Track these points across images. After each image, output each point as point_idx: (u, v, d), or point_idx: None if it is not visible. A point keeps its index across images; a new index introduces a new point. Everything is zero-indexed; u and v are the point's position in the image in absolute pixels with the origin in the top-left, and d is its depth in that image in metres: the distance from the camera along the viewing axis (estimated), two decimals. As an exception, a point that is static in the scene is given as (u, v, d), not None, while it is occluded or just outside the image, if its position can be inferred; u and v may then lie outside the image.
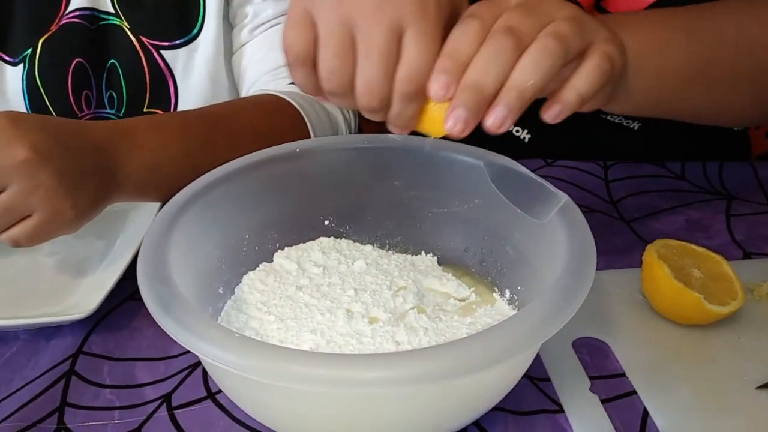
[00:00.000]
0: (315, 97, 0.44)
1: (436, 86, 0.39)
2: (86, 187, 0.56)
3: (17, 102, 0.77)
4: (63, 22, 0.75)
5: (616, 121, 0.81)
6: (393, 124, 0.43)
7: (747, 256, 0.64)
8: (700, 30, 0.54)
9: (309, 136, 0.71)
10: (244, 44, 0.79)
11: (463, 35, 0.40)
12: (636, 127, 0.80)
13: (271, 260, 0.57)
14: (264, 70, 0.78)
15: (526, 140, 0.84)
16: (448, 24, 0.42)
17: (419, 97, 0.40)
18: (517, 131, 0.84)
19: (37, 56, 0.75)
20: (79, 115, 0.78)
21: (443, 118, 0.40)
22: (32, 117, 0.56)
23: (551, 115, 0.43)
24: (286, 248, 0.58)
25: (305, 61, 0.41)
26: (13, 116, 0.54)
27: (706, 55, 0.53)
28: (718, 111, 0.59)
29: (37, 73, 0.76)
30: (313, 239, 0.59)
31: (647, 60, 0.51)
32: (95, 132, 0.59)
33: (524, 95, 0.39)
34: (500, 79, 0.39)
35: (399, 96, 0.40)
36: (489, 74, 0.39)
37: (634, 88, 0.51)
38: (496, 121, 0.39)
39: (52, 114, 0.77)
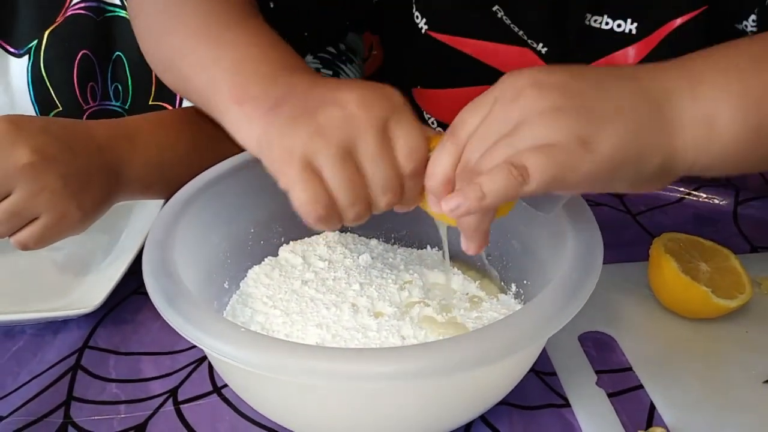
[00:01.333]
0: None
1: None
2: (91, 188, 0.56)
3: (22, 94, 0.77)
4: (69, 13, 0.75)
5: None
6: (402, 204, 0.44)
7: (754, 249, 0.64)
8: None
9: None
10: None
11: (440, 153, 0.41)
12: None
13: (276, 254, 0.57)
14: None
15: None
16: None
17: (421, 173, 0.42)
18: None
19: (43, 48, 0.75)
20: (85, 107, 0.77)
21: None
22: (34, 119, 0.56)
23: (448, 205, 0.38)
24: (291, 242, 0.58)
25: (330, 216, 0.42)
26: (15, 119, 0.54)
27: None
28: None
29: (42, 65, 0.76)
30: (318, 233, 0.59)
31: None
32: (98, 132, 0.59)
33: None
34: None
35: (408, 175, 0.42)
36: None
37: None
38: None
39: (57, 106, 0.77)
